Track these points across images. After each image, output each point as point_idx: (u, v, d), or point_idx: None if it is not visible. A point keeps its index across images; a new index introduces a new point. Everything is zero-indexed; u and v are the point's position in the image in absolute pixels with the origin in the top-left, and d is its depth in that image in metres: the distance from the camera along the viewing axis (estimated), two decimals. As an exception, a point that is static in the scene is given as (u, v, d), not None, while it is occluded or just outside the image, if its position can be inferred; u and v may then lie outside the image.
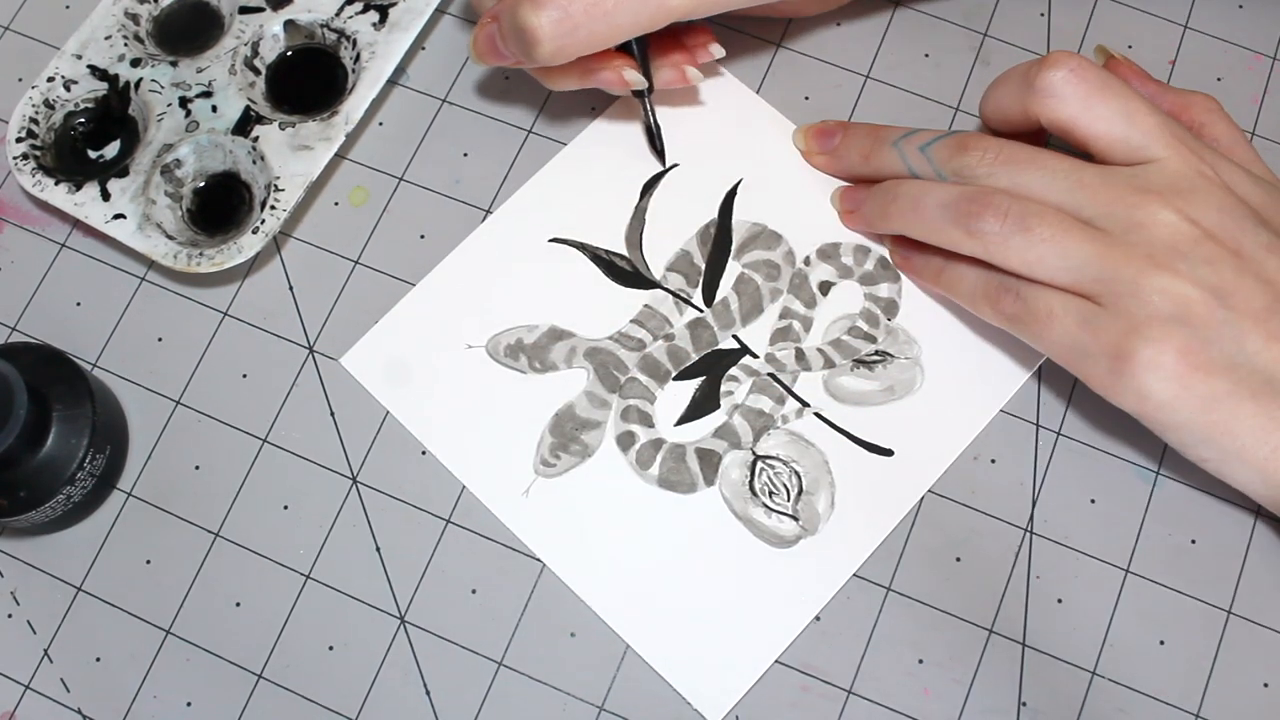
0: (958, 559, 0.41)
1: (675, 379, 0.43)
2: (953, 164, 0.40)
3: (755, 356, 0.43)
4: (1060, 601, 0.41)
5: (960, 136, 0.41)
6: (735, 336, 0.44)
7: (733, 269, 0.44)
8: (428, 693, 0.41)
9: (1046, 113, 0.39)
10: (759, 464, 0.42)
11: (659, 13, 0.38)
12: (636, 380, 0.43)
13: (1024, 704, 0.40)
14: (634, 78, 0.42)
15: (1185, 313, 0.36)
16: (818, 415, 0.43)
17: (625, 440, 0.43)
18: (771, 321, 0.44)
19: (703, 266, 0.45)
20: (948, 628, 0.41)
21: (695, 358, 0.44)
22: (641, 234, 0.45)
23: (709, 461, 0.42)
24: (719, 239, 0.45)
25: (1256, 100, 0.46)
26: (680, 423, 0.43)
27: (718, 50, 0.43)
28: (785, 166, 0.45)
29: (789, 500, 0.42)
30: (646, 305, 0.44)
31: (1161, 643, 0.40)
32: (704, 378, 0.43)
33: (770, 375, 0.43)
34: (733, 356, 0.44)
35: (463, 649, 0.41)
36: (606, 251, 0.45)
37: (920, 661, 0.40)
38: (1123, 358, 0.36)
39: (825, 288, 0.44)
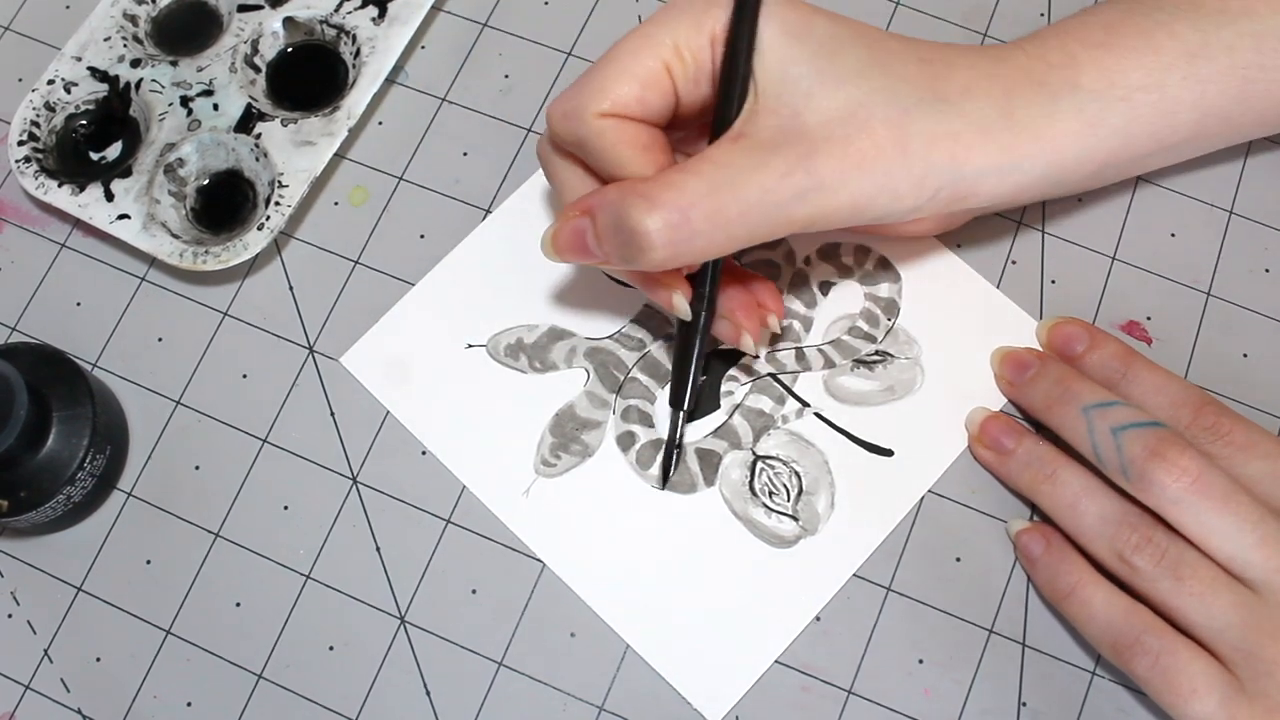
0: (958, 559, 0.41)
1: None
2: (1144, 469, 0.36)
3: (756, 358, 0.43)
4: (1060, 601, 0.41)
5: (1161, 439, 0.37)
6: None
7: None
8: (428, 693, 0.41)
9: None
10: (759, 464, 0.42)
11: (778, 225, 0.35)
12: (637, 380, 0.43)
13: (1024, 704, 0.40)
14: (681, 307, 0.38)
15: None
16: (818, 415, 0.43)
17: (625, 440, 0.43)
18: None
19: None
20: (948, 628, 0.41)
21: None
22: None
23: (709, 462, 0.42)
24: None
25: (1257, 100, 0.46)
26: None
27: (775, 324, 0.40)
28: None
29: (789, 500, 0.42)
30: (647, 305, 0.44)
31: (1162, 643, 0.40)
32: (704, 378, 0.43)
33: (770, 375, 0.43)
34: (733, 357, 0.44)
35: (463, 649, 0.41)
36: None
37: (920, 661, 0.40)
38: None
39: (825, 288, 0.44)
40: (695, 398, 0.41)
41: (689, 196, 0.34)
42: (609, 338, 0.44)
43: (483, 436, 0.43)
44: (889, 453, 0.42)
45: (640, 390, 0.43)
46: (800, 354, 0.43)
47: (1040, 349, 0.43)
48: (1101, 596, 0.38)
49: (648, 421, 0.43)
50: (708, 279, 0.38)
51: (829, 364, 0.43)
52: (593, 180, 0.38)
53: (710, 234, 0.34)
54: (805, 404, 0.43)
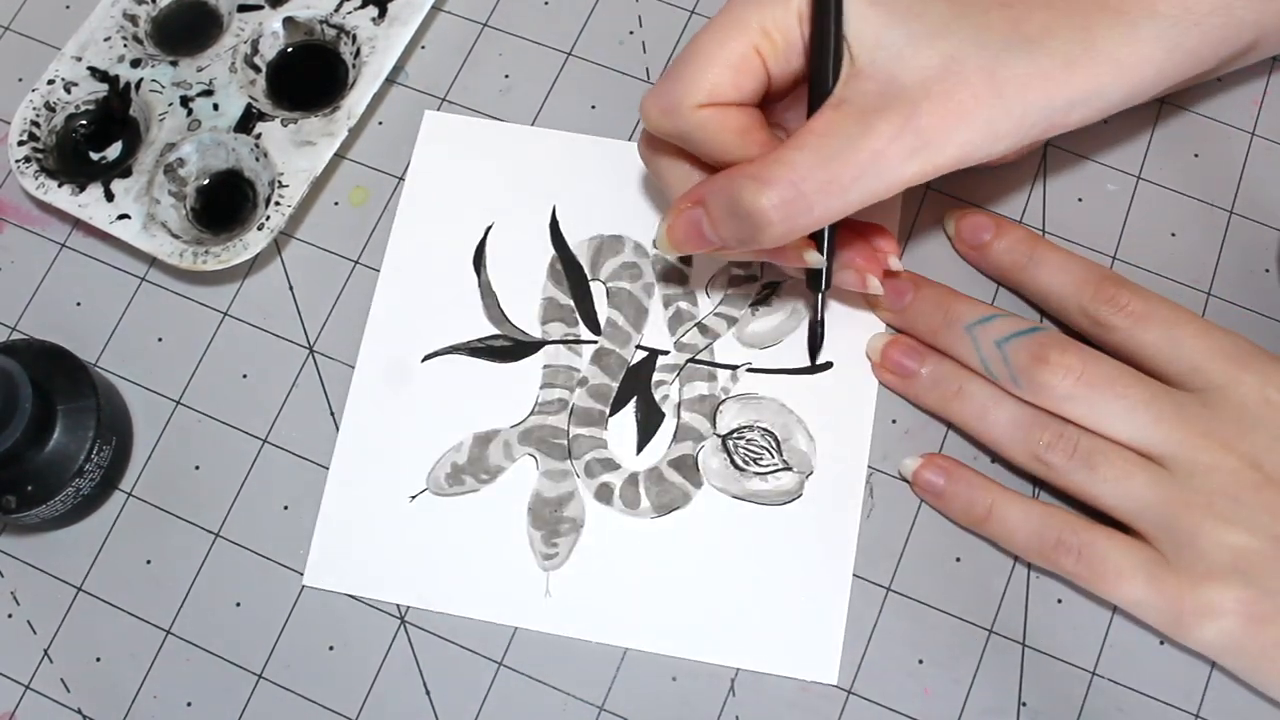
0: (958, 559, 0.41)
1: (612, 415, 0.43)
2: (1031, 374, 0.38)
3: (666, 353, 0.43)
4: (1060, 602, 0.41)
5: (1042, 344, 0.39)
6: (639, 346, 0.44)
7: (599, 289, 0.44)
8: (428, 693, 0.41)
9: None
10: (729, 441, 0.42)
11: (891, 185, 0.35)
12: (580, 436, 0.43)
13: (1024, 704, 0.40)
14: (815, 260, 0.39)
15: (1245, 564, 0.36)
16: (750, 370, 0.43)
17: (603, 493, 0.42)
18: (661, 315, 0.44)
19: (572, 303, 0.44)
20: (948, 628, 0.41)
21: (617, 386, 0.43)
22: (499, 306, 0.44)
23: (686, 466, 0.42)
24: (569, 269, 0.45)
25: (1257, 101, 0.46)
26: (640, 450, 0.43)
27: (895, 263, 0.41)
28: (592, 179, 0.46)
29: (775, 456, 0.42)
30: (546, 365, 0.44)
31: (1161, 643, 0.40)
32: (635, 398, 0.43)
33: (690, 361, 0.43)
34: (649, 365, 0.43)
35: (463, 649, 0.41)
36: (479, 340, 0.44)
37: (920, 661, 0.40)
38: (1184, 612, 0.37)
39: (687, 260, 0.44)
40: (822, 337, 0.43)
41: (799, 170, 0.35)
42: (531, 415, 0.43)
43: (476, 573, 0.41)
44: (829, 365, 0.43)
45: (589, 443, 0.43)
46: (702, 328, 0.44)
47: (913, 272, 0.43)
48: (1018, 509, 0.40)
49: (611, 466, 0.42)
50: (825, 234, 0.39)
51: (731, 321, 0.44)
52: (700, 171, 0.39)
53: (825, 203, 0.35)
54: (734, 367, 0.43)
